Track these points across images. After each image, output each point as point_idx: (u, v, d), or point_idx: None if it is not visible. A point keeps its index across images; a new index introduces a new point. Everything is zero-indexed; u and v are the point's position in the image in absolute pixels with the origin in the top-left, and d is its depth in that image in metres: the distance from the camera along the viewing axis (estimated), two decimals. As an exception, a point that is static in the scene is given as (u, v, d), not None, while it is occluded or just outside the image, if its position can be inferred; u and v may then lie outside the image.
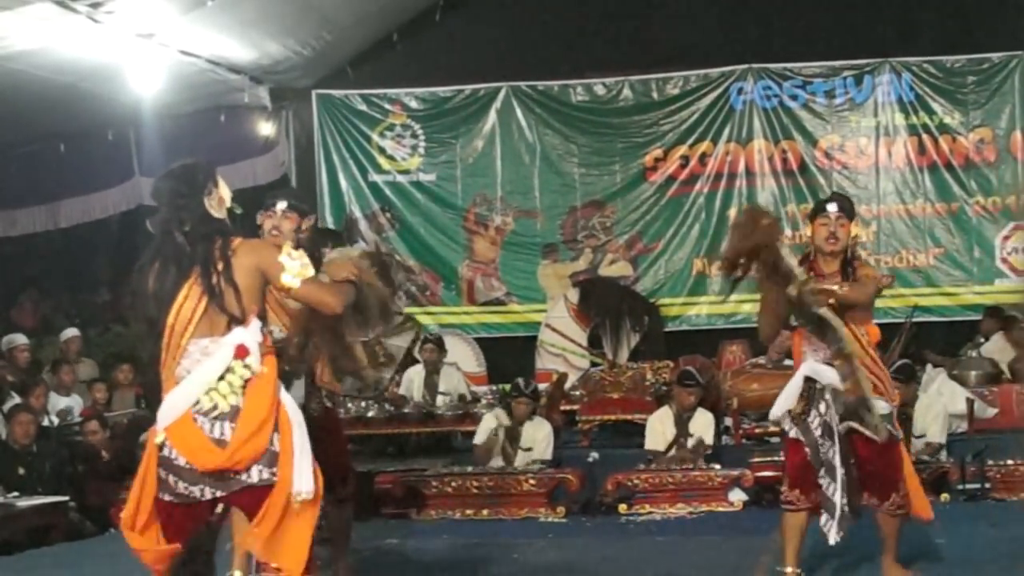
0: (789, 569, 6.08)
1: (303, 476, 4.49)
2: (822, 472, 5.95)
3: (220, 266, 4.50)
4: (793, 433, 6.04)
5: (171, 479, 4.51)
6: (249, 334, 4.50)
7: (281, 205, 5.89)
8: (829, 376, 5.97)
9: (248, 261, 4.55)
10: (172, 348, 4.51)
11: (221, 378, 4.46)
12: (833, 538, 5.95)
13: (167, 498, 4.53)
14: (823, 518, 5.96)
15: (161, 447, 4.52)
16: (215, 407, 4.45)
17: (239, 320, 4.50)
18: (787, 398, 6.05)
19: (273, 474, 4.48)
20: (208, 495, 4.51)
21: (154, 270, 4.58)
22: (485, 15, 13.44)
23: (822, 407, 5.97)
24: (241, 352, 4.47)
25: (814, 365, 6.00)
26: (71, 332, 12.79)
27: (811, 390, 6.00)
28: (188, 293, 4.51)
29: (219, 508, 4.63)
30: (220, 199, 4.67)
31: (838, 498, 5.90)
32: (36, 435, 10.02)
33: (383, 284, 5.10)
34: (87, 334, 13.17)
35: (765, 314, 6.05)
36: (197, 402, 4.47)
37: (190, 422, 4.47)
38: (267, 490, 4.49)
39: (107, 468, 10.12)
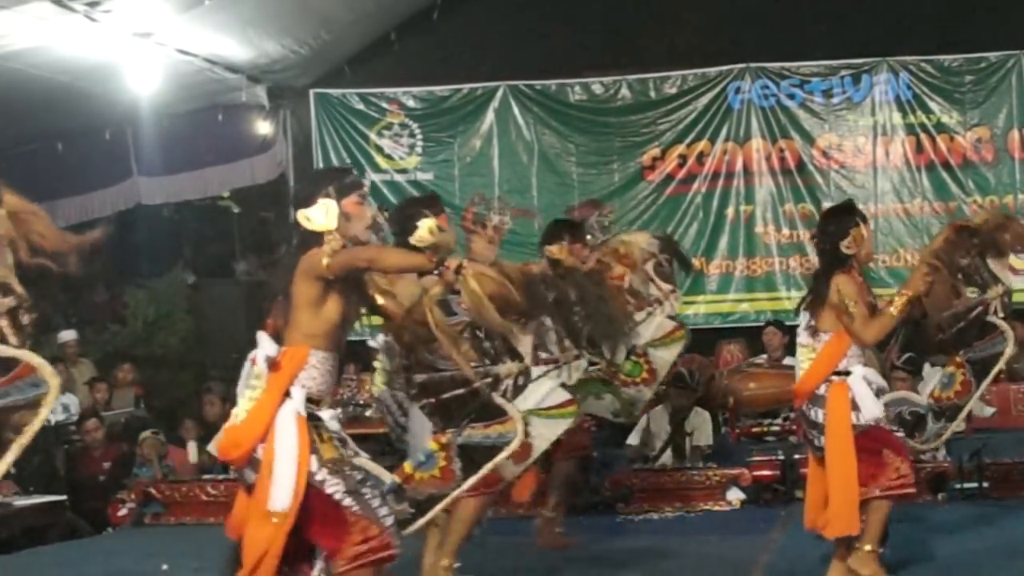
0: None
1: (280, 492, 4.51)
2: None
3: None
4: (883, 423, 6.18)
5: None
6: (275, 348, 4.65)
7: None
8: (878, 380, 6.21)
9: (298, 272, 4.67)
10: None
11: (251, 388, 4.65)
12: None
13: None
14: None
15: None
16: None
17: (280, 333, 4.68)
18: (871, 402, 6.14)
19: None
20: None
21: None
22: (483, 14, 13.41)
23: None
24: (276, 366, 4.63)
25: (864, 371, 6.12)
26: (69, 335, 12.76)
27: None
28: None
29: None
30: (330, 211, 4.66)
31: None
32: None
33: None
34: (84, 333, 13.15)
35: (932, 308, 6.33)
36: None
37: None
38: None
39: (104, 468, 10.12)
